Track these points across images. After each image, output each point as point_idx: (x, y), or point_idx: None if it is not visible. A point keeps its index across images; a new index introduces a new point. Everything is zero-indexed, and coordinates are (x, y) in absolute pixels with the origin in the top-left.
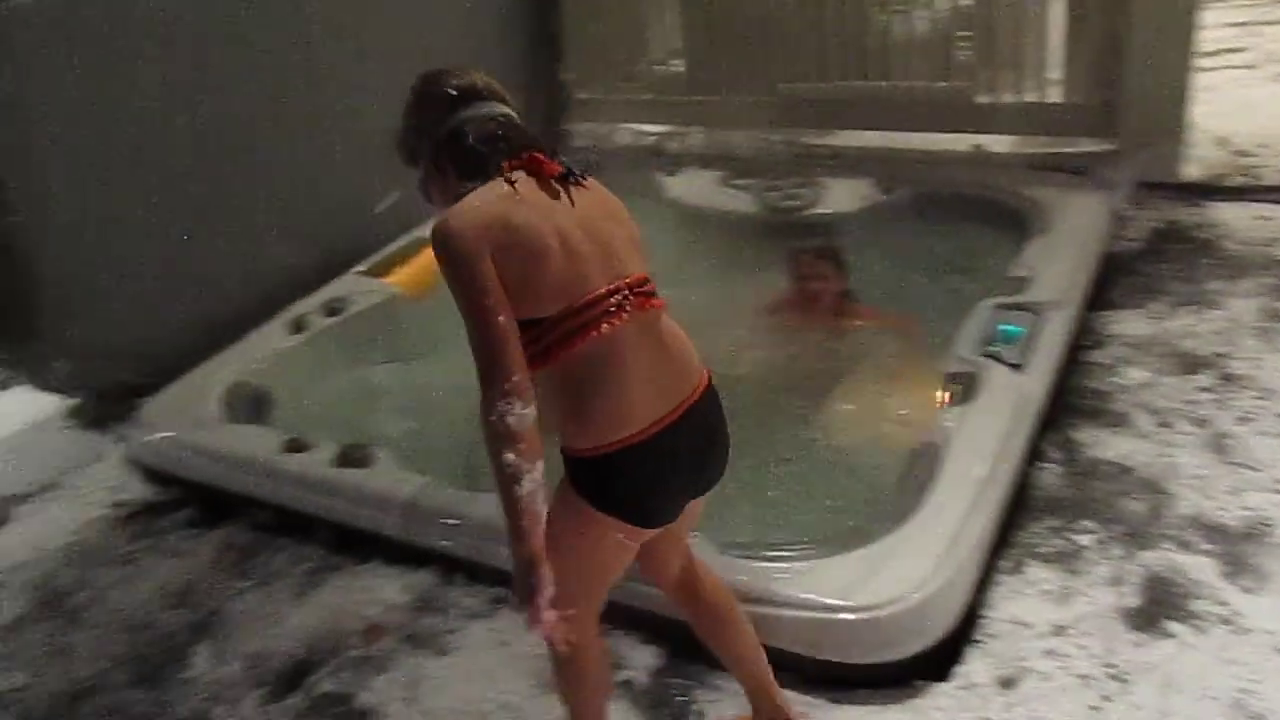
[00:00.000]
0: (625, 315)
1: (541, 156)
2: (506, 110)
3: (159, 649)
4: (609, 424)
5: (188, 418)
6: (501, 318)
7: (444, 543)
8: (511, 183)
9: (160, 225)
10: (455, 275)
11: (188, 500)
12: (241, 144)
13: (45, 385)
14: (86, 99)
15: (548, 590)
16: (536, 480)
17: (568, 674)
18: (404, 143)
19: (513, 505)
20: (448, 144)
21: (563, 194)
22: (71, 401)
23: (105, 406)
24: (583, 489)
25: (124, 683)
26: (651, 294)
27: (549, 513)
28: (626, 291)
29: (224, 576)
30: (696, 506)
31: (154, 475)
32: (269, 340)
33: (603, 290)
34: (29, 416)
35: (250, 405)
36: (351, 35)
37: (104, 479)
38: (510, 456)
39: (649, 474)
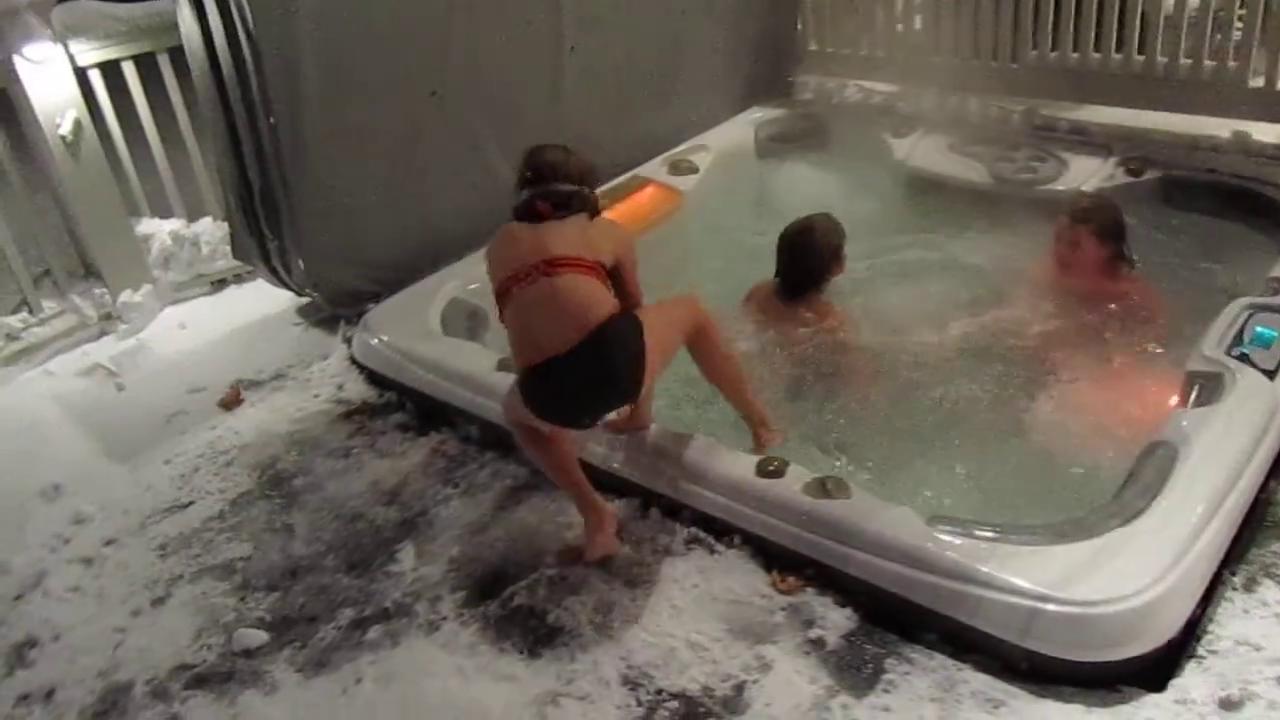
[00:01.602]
0: (527, 283)
1: (547, 204)
2: (545, 189)
3: (369, 540)
4: (520, 353)
5: (409, 327)
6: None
7: (645, 477)
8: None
9: (402, 142)
10: None
11: (403, 405)
12: (486, 73)
13: (282, 282)
14: (346, 16)
15: None
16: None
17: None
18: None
19: None
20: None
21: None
22: (304, 300)
23: (334, 308)
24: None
25: (335, 567)
26: (559, 264)
27: None
28: (535, 268)
29: (432, 481)
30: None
31: (374, 377)
32: None
33: (520, 268)
34: (264, 309)
35: (465, 322)
36: None
37: (328, 375)
38: None
39: (545, 396)
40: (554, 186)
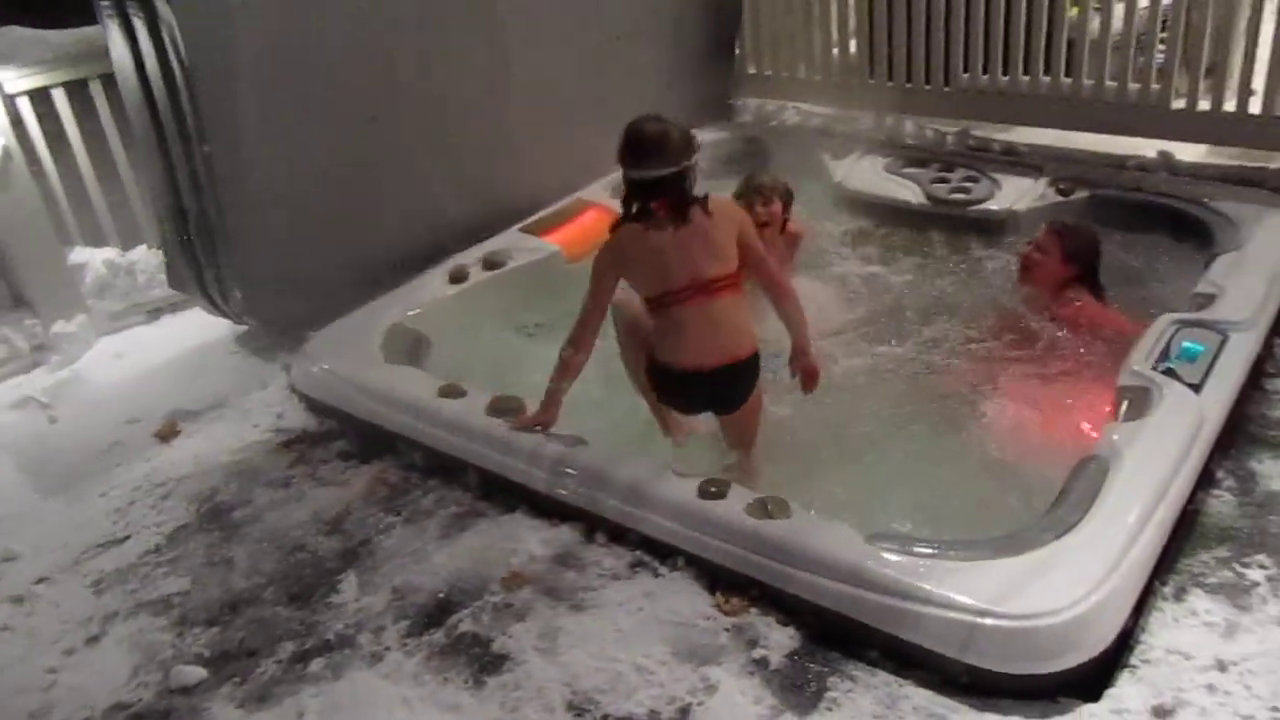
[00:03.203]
0: (689, 303)
1: (662, 204)
2: (658, 173)
3: (310, 571)
4: (671, 355)
5: (349, 355)
6: (594, 308)
7: (588, 502)
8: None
9: (341, 169)
10: (591, 273)
11: (344, 433)
12: (427, 98)
13: (219, 310)
14: (282, 43)
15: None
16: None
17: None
18: None
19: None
20: (624, 187)
21: (670, 227)
22: (242, 328)
23: (273, 336)
24: (651, 378)
25: (276, 599)
26: (715, 288)
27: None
28: (694, 289)
29: (374, 510)
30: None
31: (314, 406)
32: (429, 288)
33: (678, 287)
34: (202, 338)
35: (407, 348)
36: None
37: (267, 405)
38: (563, 355)
39: (675, 390)
40: (658, 172)
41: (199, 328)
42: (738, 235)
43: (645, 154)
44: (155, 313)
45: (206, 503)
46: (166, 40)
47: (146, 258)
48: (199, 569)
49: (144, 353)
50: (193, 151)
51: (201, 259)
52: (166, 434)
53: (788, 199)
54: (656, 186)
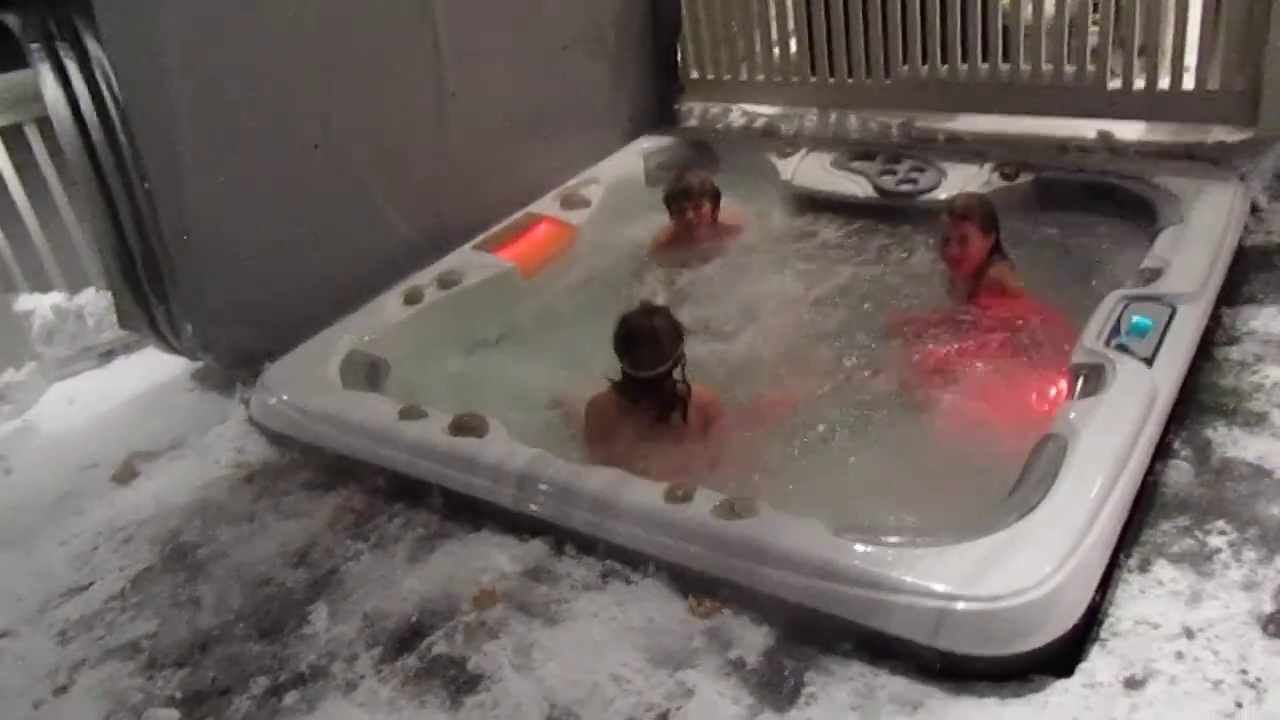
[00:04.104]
0: None
1: (648, 403)
2: (646, 374)
3: (279, 605)
4: None
5: (307, 383)
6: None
7: (556, 514)
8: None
9: (288, 198)
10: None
11: (306, 463)
12: (370, 122)
13: (172, 348)
14: (221, 72)
15: None
16: None
17: None
18: None
19: None
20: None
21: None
22: (197, 364)
23: (229, 370)
24: None
25: (246, 635)
26: None
27: None
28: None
29: (341, 538)
30: None
31: (275, 437)
32: (385, 311)
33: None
34: (157, 377)
35: (365, 373)
36: (475, 7)
37: (227, 439)
38: None
39: None
40: (645, 374)
41: (153, 367)
42: (704, 423)
43: (634, 351)
44: (107, 355)
45: (170, 543)
46: (100, 79)
47: (94, 300)
48: (166, 610)
49: (97, 397)
50: (134, 189)
51: (150, 297)
52: (125, 476)
53: (715, 199)
54: (645, 382)
